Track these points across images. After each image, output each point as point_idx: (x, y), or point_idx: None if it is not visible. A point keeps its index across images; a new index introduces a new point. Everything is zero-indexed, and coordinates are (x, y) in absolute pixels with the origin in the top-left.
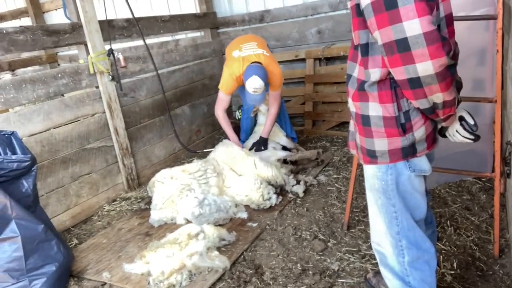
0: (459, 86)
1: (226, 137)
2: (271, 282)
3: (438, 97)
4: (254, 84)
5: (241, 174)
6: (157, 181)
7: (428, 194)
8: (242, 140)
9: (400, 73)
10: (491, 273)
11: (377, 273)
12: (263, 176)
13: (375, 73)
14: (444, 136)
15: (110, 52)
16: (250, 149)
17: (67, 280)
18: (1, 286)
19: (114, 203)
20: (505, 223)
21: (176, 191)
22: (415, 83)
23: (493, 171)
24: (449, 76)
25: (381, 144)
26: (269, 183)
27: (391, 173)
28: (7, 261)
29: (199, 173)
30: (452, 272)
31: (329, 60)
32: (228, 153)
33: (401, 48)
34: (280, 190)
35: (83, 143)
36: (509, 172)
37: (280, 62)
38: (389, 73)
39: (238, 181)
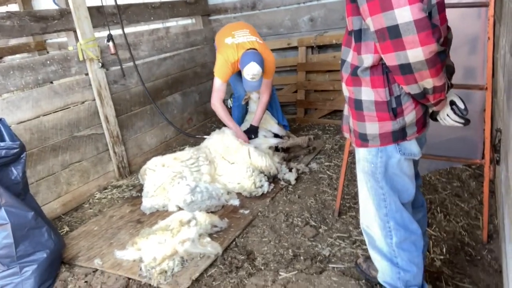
0: (451, 70)
1: (222, 126)
2: (262, 268)
3: (428, 82)
4: (252, 70)
5: (233, 162)
6: (149, 168)
7: (418, 177)
8: None
9: (391, 59)
10: (479, 258)
11: (368, 258)
12: (257, 166)
13: (368, 59)
14: (436, 119)
15: (110, 37)
16: None
17: (58, 267)
18: None
19: (105, 191)
20: (494, 209)
21: (167, 178)
22: (406, 69)
23: (483, 158)
24: (439, 62)
25: (372, 127)
26: (261, 172)
27: (381, 156)
28: None
29: (191, 161)
30: (442, 257)
31: (322, 48)
32: (222, 142)
33: (392, 34)
34: (273, 178)
35: (73, 131)
36: (499, 159)
37: (272, 50)
38: (381, 58)
39: (230, 169)
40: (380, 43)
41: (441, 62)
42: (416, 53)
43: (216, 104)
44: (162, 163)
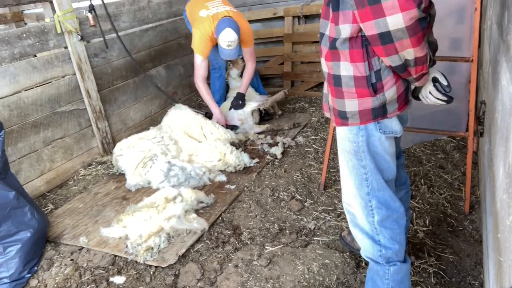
0: (434, 47)
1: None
2: (248, 242)
3: (409, 53)
4: (228, 37)
5: (201, 141)
6: (117, 155)
7: (401, 156)
8: (216, 101)
9: (370, 28)
10: (461, 228)
11: None
12: (227, 139)
13: (346, 29)
14: (418, 98)
15: (91, 8)
16: (230, 108)
17: (43, 245)
18: None
19: (90, 167)
20: (476, 181)
21: (139, 160)
22: (386, 38)
23: (467, 130)
24: (419, 30)
25: (351, 105)
26: (231, 144)
27: (362, 134)
28: None
29: (157, 139)
30: (424, 228)
31: (308, 18)
32: (182, 119)
33: (371, 0)
34: (258, 152)
35: (54, 107)
36: (482, 131)
37: (258, 20)
38: (360, 30)
39: (204, 148)
40: (358, 10)
41: (422, 30)
42: (396, 20)
43: (199, 83)
44: (127, 145)
